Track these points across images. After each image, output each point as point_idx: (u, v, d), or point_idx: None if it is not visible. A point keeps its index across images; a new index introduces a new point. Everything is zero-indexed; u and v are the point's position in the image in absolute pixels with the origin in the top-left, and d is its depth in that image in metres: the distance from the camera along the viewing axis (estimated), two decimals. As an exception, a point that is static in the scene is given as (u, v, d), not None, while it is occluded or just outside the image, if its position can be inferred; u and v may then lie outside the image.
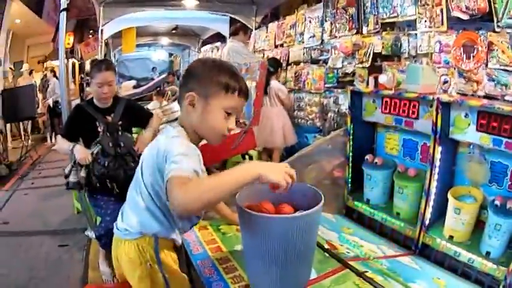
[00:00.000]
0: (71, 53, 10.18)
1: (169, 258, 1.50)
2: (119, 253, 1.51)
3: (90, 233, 3.50)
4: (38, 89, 9.55)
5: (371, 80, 2.34)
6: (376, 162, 2.42)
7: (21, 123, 8.56)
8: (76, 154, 2.61)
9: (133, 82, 10.11)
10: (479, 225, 1.91)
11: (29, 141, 8.47)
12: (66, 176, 2.71)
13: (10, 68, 9.16)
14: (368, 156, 2.48)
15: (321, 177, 2.51)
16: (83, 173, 2.64)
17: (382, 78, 2.26)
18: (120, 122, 2.79)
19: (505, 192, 1.85)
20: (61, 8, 3.54)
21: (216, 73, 1.35)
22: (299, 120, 5.06)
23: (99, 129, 2.73)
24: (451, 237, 1.93)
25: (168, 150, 1.25)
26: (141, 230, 1.43)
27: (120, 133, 2.75)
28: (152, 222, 1.42)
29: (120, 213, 1.55)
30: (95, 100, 2.82)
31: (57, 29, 4.32)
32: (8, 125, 8.00)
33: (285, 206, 1.51)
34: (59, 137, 2.79)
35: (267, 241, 1.32)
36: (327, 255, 1.75)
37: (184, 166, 1.18)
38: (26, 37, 11.12)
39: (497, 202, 1.77)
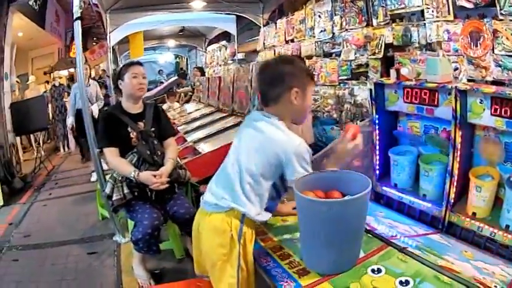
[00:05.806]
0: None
1: (250, 233, 1.75)
2: (202, 225, 1.76)
3: (119, 238, 3.56)
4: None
5: (393, 72, 2.51)
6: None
7: (31, 135, 8.33)
8: (148, 182, 2.50)
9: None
10: (497, 202, 2.07)
11: (42, 152, 8.12)
12: (109, 197, 2.59)
13: (16, 81, 9.03)
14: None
15: (351, 166, 2.69)
16: (126, 189, 2.57)
17: (404, 71, 2.43)
18: (153, 129, 2.72)
19: (519, 169, 2.02)
20: (74, 17, 3.58)
21: (304, 68, 1.84)
22: (315, 113, 5.23)
23: (131, 136, 2.65)
24: (473, 213, 2.08)
25: (295, 154, 1.68)
26: (233, 206, 1.69)
27: (155, 141, 2.68)
28: (246, 203, 1.68)
29: (208, 188, 1.81)
30: (123, 104, 2.74)
31: (72, 39, 4.46)
32: (18, 138, 7.60)
33: (334, 193, 1.70)
34: (108, 151, 2.62)
35: (326, 224, 1.52)
36: (370, 235, 1.97)
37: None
38: (29, 49, 11.01)
39: (513, 178, 1.94)
